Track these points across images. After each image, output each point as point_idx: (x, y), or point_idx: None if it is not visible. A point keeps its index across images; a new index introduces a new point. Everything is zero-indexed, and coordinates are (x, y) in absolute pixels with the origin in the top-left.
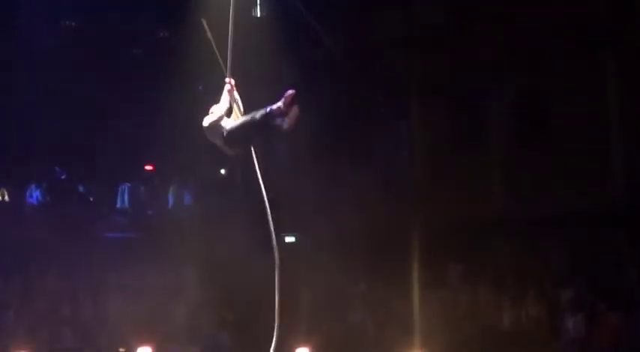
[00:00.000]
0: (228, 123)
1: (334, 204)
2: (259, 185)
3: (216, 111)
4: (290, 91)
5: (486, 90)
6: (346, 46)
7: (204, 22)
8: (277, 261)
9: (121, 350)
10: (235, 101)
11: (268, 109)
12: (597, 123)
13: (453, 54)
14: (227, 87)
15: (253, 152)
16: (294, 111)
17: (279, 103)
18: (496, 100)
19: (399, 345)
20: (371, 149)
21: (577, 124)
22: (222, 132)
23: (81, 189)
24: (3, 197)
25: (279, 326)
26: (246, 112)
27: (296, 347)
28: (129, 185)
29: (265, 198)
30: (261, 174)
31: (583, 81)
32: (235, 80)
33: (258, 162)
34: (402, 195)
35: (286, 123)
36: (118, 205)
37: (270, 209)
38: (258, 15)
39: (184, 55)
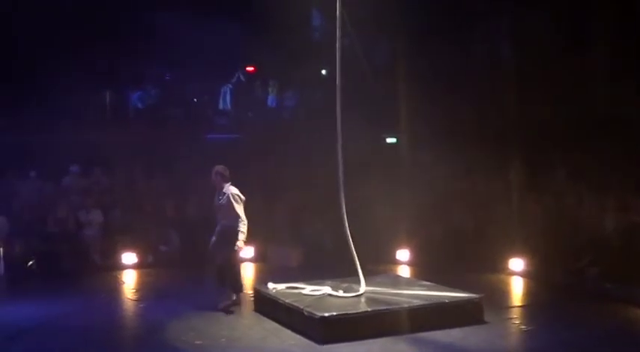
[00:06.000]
0: None
1: (435, 105)
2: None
3: None
4: None
5: None
6: None
7: None
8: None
9: None
10: None
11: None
12: None
13: None
14: None
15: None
16: None
17: None
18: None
19: (498, 249)
20: (470, 50)
21: None
22: None
23: (184, 90)
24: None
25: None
26: None
27: (397, 249)
28: (230, 86)
29: None
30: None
31: None
32: None
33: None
34: (505, 95)
35: None
36: (220, 107)
37: None
38: None
39: None
